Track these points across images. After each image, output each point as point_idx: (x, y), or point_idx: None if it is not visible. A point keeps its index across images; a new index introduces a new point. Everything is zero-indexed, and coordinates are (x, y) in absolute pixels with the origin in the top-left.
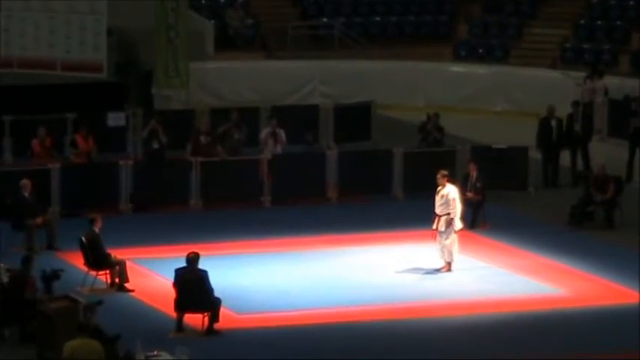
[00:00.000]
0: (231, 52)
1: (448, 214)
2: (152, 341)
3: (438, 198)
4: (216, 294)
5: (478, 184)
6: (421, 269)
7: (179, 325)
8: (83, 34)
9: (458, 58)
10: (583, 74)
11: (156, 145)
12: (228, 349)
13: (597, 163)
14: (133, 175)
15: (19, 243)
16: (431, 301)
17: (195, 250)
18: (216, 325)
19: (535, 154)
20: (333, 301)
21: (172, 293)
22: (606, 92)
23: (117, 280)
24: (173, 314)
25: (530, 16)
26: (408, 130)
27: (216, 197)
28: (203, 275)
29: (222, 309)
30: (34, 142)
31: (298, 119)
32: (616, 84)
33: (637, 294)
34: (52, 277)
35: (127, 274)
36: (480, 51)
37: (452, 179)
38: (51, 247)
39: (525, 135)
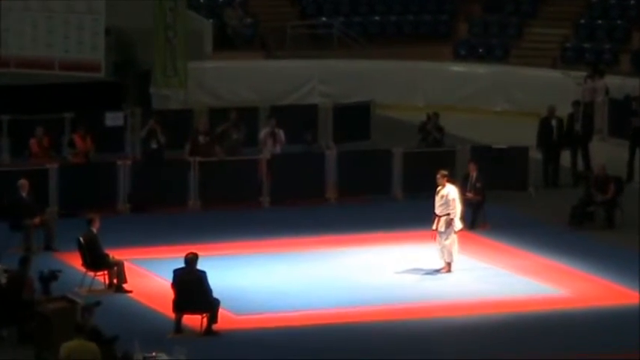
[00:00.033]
0: (230, 52)
1: (448, 214)
2: (150, 342)
3: (437, 198)
4: (215, 295)
5: (478, 185)
6: (421, 270)
7: (177, 326)
8: (81, 34)
9: (458, 57)
10: (583, 74)
11: (154, 145)
12: (226, 350)
13: (598, 163)
14: (131, 175)
15: (16, 243)
16: (431, 302)
17: (194, 251)
18: (215, 326)
19: (535, 154)
20: (333, 301)
21: (171, 294)
22: (607, 92)
23: (115, 280)
24: (171, 315)
25: (531, 16)
26: (408, 130)
27: (215, 197)
28: (201, 276)
29: (220, 310)
30: (32, 142)
31: (297, 119)
32: (617, 83)
33: (637, 294)
34: (49, 277)
35: (125, 275)
36: (480, 50)
37: (452, 179)
38: (49, 247)
39: (525, 135)
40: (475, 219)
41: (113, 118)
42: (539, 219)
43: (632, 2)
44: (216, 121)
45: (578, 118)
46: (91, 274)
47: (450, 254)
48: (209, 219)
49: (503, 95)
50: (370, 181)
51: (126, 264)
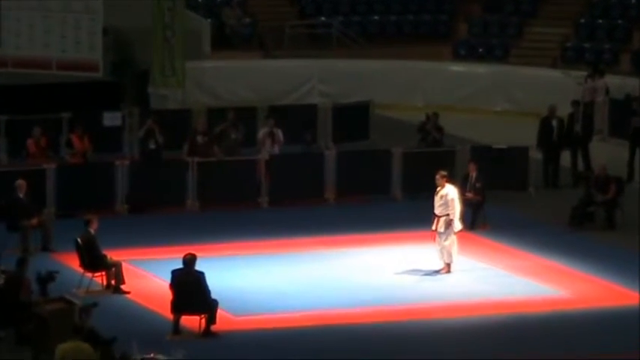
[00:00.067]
0: (228, 51)
1: (447, 214)
2: (148, 343)
3: (437, 199)
4: (213, 296)
5: (478, 185)
6: (420, 270)
7: (176, 327)
8: (79, 34)
9: (457, 57)
10: (584, 73)
11: (152, 145)
12: (225, 352)
13: (598, 163)
14: (129, 176)
15: (13, 244)
16: (430, 303)
17: (192, 252)
18: (213, 327)
19: (535, 154)
20: (332, 302)
21: (169, 295)
22: (607, 91)
23: (113, 281)
24: (170, 316)
25: (531, 15)
26: (407, 129)
27: (213, 198)
28: (200, 277)
29: (219, 311)
30: (29, 142)
31: (296, 119)
32: (617, 83)
33: (637, 295)
34: (47, 278)
35: (122, 276)
36: (480, 50)
37: (451, 179)
38: (46, 248)
39: (525, 135)
40: (475, 219)
41: (111, 118)
42: (540, 219)
43: (632, 2)
44: (214, 121)
45: (578, 118)
46: (89, 275)
47: (450, 255)
48: (207, 219)
49: (503, 95)
50: (369, 182)
51: (124, 265)
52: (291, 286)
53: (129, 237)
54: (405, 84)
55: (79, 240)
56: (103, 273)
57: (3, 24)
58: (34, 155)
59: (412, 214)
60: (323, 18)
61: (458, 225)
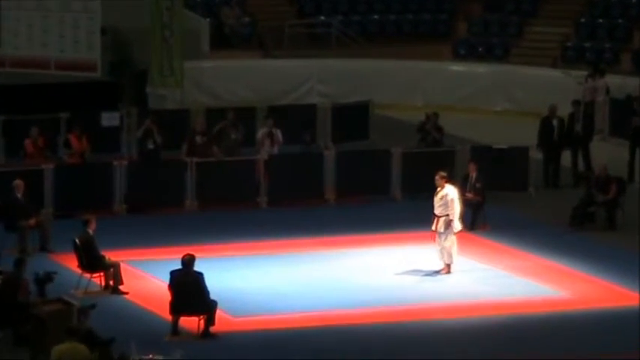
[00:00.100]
0: (227, 51)
1: (447, 215)
2: (147, 344)
3: (437, 199)
4: (212, 296)
5: (478, 185)
6: (420, 271)
7: (174, 328)
8: (77, 33)
9: (457, 56)
10: (584, 73)
11: (151, 146)
12: (224, 353)
13: (599, 163)
14: (128, 176)
15: (11, 245)
16: (430, 304)
17: (191, 252)
18: (212, 328)
19: (536, 154)
20: (331, 303)
21: (167, 296)
22: (608, 91)
23: (111, 282)
24: (168, 317)
25: (531, 15)
26: (407, 129)
27: (212, 198)
28: (199, 277)
29: (218, 312)
30: (27, 142)
31: (295, 119)
32: (617, 83)
33: (638, 296)
34: (45, 279)
35: (121, 277)
36: (480, 50)
37: (451, 180)
38: (44, 249)
39: (526, 135)
40: (475, 220)
41: (109, 118)
42: (540, 220)
43: (633, 1)
44: (213, 121)
45: (578, 118)
46: (87, 275)
47: (450, 256)
48: (206, 220)
49: (504, 95)
50: (369, 182)
51: (122, 265)
52: (290, 287)
53: (127, 237)
54: (405, 84)
55: (77, 240)
56: (102, 274)
57: (2, 24)
58: (31, 155)
59: (412, 214)
60: (322, 17)
61: (457, 225)
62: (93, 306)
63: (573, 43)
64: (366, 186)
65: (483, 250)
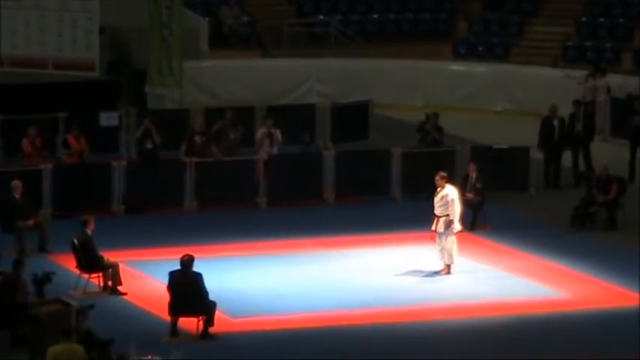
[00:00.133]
0: (226, 51)
1: (447, 215)
2: (146, 345)
3: (437, 199)
4: (211, 297)
5: (478, 185)
6: (420, 272)
7: (173, 329)
8: (75, 32)
9: (457, 56)
10: (585, 72)
11: (149, 146)
12: (223, 354)
13: (600, 163)
14: (126, 176)
15: (9, 245)
16: (430, 304)
17: (190, 253)
18: (211, 329)
19: (536, 154)
20: (331, 304)
21: (166, 296)
22: (609, 91)
23: (110, 283)
24: (167, 318)
25: (532, 14)
26: (407, 129)
27: (211, 198)
28: (198, 278)
29: (217, 312)
30: (25, 142)
31: (295, 119)
32: (618, 82)
33: (638, 296)
34: (43, 280)
35: (119, 277)
36: (480, 49)
37: (451, 180)
38: (42, 249)
39: (526, 135)
40: (475, 220)
41: (108, 118)
42: (540, 220)
43: (633, 0)
44: (212, 121)
45: (579, 118)
46: (86, 276)
47: (451, 256)
48: (205, 220)
49: (504, 94)
50: (369, 182)
51: (121, 266)
52: (290, 288)
53: (126, 238)
54: (405, 83)
55: (75, 241)
56: (100, 274)
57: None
58: (29, 155)
59: (412, 214)
60: (321, 17)
61: (457, 226)
62: (91, 306)
63: (574, 42)
64: (365, 186)
65: (483, 251)
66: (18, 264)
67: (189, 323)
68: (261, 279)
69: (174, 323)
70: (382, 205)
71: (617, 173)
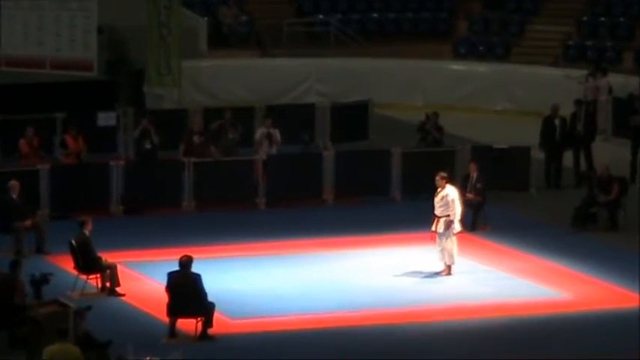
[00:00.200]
0: (225, 50)
1: (448, 215)
2: (144, 347)
3: (437, 199)
4: (210, 298)
5: (478, 185)
6: (420, 272)
7: (172, 331)
8: (73, 32)
9: (457, 55)
10: (585, 72)
11: (148, 146)
12: (222, 355)
13: (601, 163)
14: (125, 177)
15: (7, 246)
16: (430, 305)
17: (188, 254)
18: (210, 330)
19: (537, 154)
20: (330, 305)
21: (165, 297)
22: (610, 90)
23: (108, 284)
24: (165, 319)
25: (533, 13)
26: (407, 129)
27: (210, 199)
28: (196, 279)
29: (215, 313)
30: (22, 142)
31: (294, 119)
32: (620, 82)
33: (639, 297)
34: (41, 281)
35: (118, 278)
36: (481, 48)
37: (451, 180)
38: (40, 250)
39: (527, 134)
40: (475, 220)
41: (106, 118)
42: (541, 220)
43: None
44: (211, 121)
45: (580, 118)
46: (84, 277)
47: (451, 256)
48: (204, 221)
49: (504, 94)
50: (368, 182)
51: (119, 267)
52: (289, 289)
53: (124, 239)
54: (405, 83)
55: (73, 242)
56: (98, 275)
57: None
58: (26, 156)
59: (412, 215)
60: (321, 16)
61: (457, 227)
62: (89, 308)
63: (575, 41)
64: (365, 186)
65: (484, 252)
66: (15, 265)
67: (188, 324)
68: (261, 280)
69: (172, 324)
70: (382, 205)
71: (619, 173)
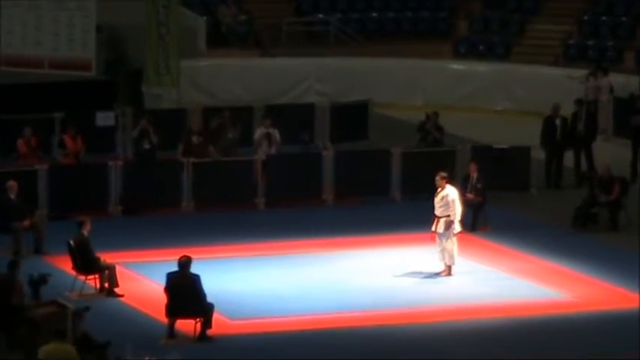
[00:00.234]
0: (224, 50)
1: (448, 215)
2: (143, 347)
3: (437, 200)
4: (209, 299)
5: (479, 185)
6: (420, 273)
7: (170, 331)
8: (71, 31)
9: (458, 55)
10: (586, 72)
11: (146, 146)
12: (221, 356)
13: (602, 163)
14: (123, 177)
15: (5, 247)
16: (430, 306)
17: (187, 254)
18: (209, 331)
19: (538, 154)
20: (330, 306)
21: (163, 298)
22: (611, 90)
23: (106, 284)
24: (164, 320)
25: (533, 12)
26: (407, 129)
27: (209, 199)
28: (195, 280)
29: (215, 314)
30: (20, 142)
31: (293, 118)
32: (621, 82)
33: (639, 298)
34: (39, 281)
35: (116, 279)
36: (481, 48)
37: (452, 180)
38: (38, 250)
39: (527, 134)
40: (476, 221)
41: (104, 118)
42: (542, 221)
43: None
44: (209, 121)
45: (581, 117)
46: (82, 278)
47: (452, 257)
48: (203, 221)
49: (505, 94)
50: (368, 182)
51: (117, 267)
52: (288, 289)
53: (123, 239)
54: (405, 82)
55: (71, 242)
56: (97, 276)
57: None
58: (24, 156)
59: (412, 215)
60: (320, 15)
61: (457, 227)
62: (87, 308)
63: (576, 41)
64: (365, 186)
65: (484, 252)
66: (13, 265)
67: (187, 325)
68: (260, 280)
69: (171, 325)
70: (382, 205)
71: (620, 173)
